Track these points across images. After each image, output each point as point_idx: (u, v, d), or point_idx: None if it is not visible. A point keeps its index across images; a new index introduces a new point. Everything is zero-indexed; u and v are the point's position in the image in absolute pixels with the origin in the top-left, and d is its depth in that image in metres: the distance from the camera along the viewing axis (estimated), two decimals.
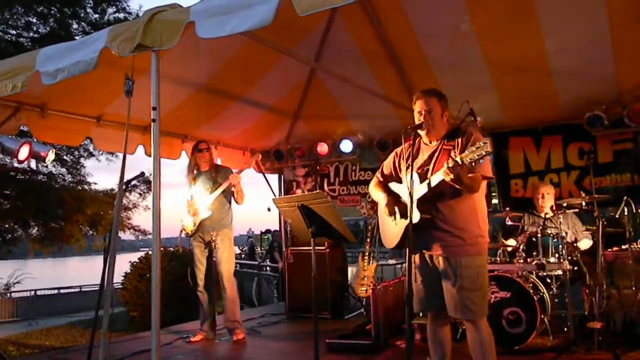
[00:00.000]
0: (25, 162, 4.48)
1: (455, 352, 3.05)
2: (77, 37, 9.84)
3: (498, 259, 4.56)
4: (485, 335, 2.69)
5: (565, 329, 4.15)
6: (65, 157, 11.15)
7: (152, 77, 2.96)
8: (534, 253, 4.25)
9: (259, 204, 6.94)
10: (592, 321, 3.89)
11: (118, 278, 8.57)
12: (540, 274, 4.30)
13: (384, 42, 4.85)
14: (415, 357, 3.08)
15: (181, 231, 5.00)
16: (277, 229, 8.69)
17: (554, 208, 4.49)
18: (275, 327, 5.73)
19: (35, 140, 4.34)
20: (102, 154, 11.25)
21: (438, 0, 4.23)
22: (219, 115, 5.60)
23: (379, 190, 3.08)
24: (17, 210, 10.38)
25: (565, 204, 4.47)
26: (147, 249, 10.06)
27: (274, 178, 7.12)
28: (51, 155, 4.12)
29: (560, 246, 4.18)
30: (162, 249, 5.68)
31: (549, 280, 4.33)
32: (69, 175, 11.44)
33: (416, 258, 2.83)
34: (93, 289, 17.73)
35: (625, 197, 4.26)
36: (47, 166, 10.61)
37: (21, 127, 4.45)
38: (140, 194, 11.95)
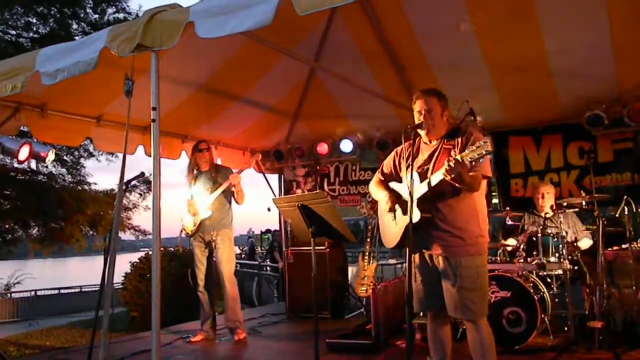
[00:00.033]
0: (26, 163, 4.48)
1: (456, 351, 3.04)
2: (77, 38, 9.84)
3: (498, 258, 4.56)
4: (485, 335, 2.69)
5: (566, 329, 4.15)
6: (65, 157, 11.15)
7: (152, 77, 2.95)
8: (534, 252, 4.25)
9: (259, 204, 6.94)
10: (592, 320, 3.89)
11: (118, 278, 8.57)
12: (540, 273, 4.30)
13: (383, 42, 4.84)
14: (416, 357, 3.07)
15: (181, 231, 5.00)
16: (277, 229, 8.70)
17: (554, 207, 4.49)
18: (276, 327, 5.73)
19: (35, 140, 4.34)
20: (102, 154, 11.27)
21: (438, 0, 4.23)
22: (218, 115, 5.60)
23: (379, 189, 3.07)
24: (17, 210, 10.38)
25: (565, 204, 4.47)
26: (147, 249, 10.05)
27: (274, 178, 7.12)
28: (51, 156, 4.11)
29: (561, 246, 4.18)
30: (162, 249, 5.69)
31: (549, 280, 4.34)
32: (69, 176, 11.46)
33: (416, 257, 2.83)
34: (93, 289, 17.70)
35: (626, 197, 4.26)
36: (47, 166, 10.64)
37: (21, 128, 4.45)
38: (140, 194, 11.98)
